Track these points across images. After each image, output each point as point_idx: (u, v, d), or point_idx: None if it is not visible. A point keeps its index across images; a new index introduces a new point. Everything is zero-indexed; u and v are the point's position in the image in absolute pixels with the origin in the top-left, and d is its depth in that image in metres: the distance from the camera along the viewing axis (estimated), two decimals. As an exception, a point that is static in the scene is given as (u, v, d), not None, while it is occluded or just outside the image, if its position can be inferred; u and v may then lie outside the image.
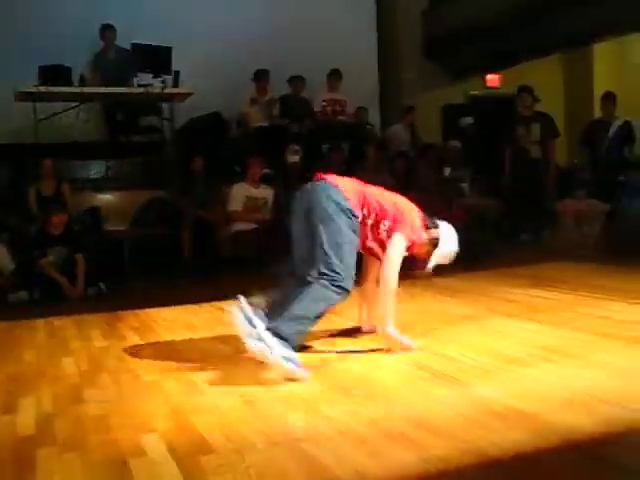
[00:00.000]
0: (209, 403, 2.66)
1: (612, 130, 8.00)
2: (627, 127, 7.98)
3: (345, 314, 4.36)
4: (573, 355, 3.07)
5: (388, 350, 3.29)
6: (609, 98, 8.14)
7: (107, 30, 8.38)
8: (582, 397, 2.50)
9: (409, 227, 3.34)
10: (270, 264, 6.81)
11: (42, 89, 7.39)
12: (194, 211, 7.20)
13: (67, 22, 8.56)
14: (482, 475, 1.95)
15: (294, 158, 7.70)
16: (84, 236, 6.42)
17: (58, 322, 4.71)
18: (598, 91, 9.79)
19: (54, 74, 7.52)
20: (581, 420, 2.26)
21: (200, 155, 7.55)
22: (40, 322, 4.74)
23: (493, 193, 8.21)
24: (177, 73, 7.94)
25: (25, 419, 2.59)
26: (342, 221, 3.15)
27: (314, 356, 3.31)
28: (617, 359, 2.99)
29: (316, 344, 3.52)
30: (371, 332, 3.64)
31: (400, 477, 1.92)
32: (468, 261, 5.46)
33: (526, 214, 7.93)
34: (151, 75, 7.89)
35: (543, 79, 10.87)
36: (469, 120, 9.58)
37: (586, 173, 8.08)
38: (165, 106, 8.52)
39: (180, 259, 7.03)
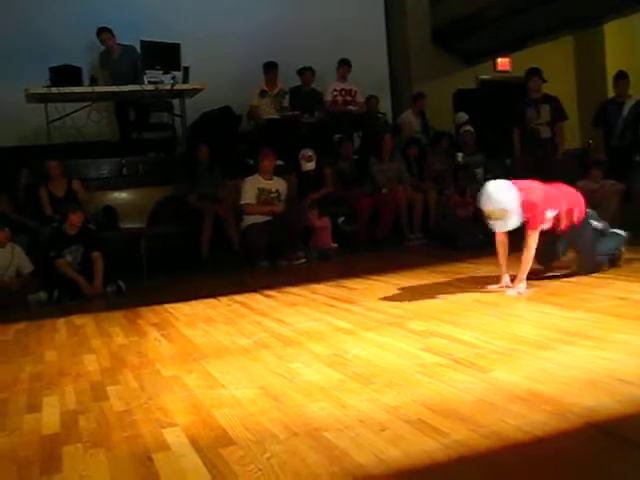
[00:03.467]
0: (229, 396, 2.68)
1: (625, 110, 7.93)
2: (641, 106, 7.91)
3: (363, 304, 4.39)
4: (592, 337, 3.06)
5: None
6: (622, 77, 8.06)
7: (102, 33, 8.33)
8: (603, 378, 2.49)
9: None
10: (284, 256, 6.89)
11: (53, 90, 7.42)
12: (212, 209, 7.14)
13: (74, 22, 8.62)
14: (504, 459, 1.95)
15: (309, 165, 7.66)
16: (100, 235, 6.47)
17: (78, 320, 4.77)
18: (610, 71, 9.70)
19: (65, 75, 7.55)
20: (603, 401, 2.26)
21: (205, 144, 7.55)
22: (61, 321, 4.80)
23: (507, 177, 8.16)
24: (187, 69, 7.95)
25: (50, 417, 2.63)
26: None
27: (337, 346, 3.33)
28: (636, 340, 2.98)
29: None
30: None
31: (421, 463, 1.93)
32: (483, 246, 5.46)
33: None
34: (161, 72, 7.90)
35: (554, 60, 10.79)
36: (464, 116, 9.36)
37: (600, 153, 8.02)
38: (176, 102, 8.53)
39: (197, 254, 7.05)
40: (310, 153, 7.66)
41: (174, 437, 2.28)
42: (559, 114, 7.99)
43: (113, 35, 8.34)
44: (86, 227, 6.23)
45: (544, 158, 7.83)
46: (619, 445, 1.99)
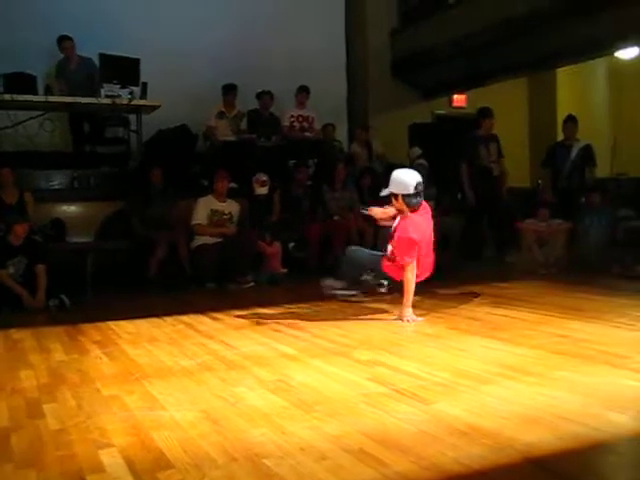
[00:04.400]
0: (169, 418, 2.64)
1: (573, 152, 8.17)
2: (588, 150, 8.16)
3: (310, 330, 4.39)
4: (533, 373, 3.12)
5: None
6: (571, 121, 8.32)
7: (64, 41, 8.24)
8: (542, 414, 2.53)
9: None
10: (232, 279, 6.83)
11: (6, 97, 7.28)
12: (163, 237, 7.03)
13: (31, 30, 8.47)
14: (442, 492, 1.96)
15: (262, 190, 7.66)
16: (46, 247, 6.33)
17: (17, 334, 4.63)
18: (561, 114, 10.01)
19: (19, 82, 7.41)
20: (541, 436, 2.30)
21: (158, 166, 7.48)
22: (-1, 334, 4.65)
23: (457, 212, 8.35)
24: (145, 85, 7.89)
25: (-19, 433, 2.54)
26: None
27: (281, 372, 3.31)
28: (576, 377, 3.05)
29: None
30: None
31: (360, 493, 1.93)
32: (432, 279, 5.51)
33: (489, 230, 8.20)
34: (118, 86, 7.83)
35: (509, 101, 11.10)
36: (418, 151, 9.48)
37: (548, 194, 8.23)
38: (132, 117, 8.45)
39: (145, 272, 6.93)
40: (264, 178, 7.66)
41: (110, 458, 2.23)
42: (500, 151, 8.30)
43: (74, 44, 8.25)
44: (31, 239, 6.08)
45: (494, 194, 8.06)
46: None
